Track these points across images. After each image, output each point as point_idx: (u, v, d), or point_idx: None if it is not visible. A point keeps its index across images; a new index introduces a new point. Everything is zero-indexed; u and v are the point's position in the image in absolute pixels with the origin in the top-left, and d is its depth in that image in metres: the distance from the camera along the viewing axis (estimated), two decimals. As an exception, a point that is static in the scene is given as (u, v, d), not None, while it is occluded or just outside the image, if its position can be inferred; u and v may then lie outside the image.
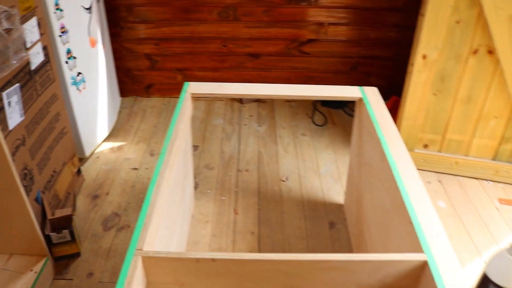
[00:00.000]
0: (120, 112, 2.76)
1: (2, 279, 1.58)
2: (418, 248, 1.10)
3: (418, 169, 2.28)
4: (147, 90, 2.94)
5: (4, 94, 1.46)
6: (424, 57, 2.01)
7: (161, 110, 2.80)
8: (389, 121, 1.59)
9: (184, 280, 1.10)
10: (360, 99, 1.74)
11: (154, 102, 2.90)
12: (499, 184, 2.26)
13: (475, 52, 1.97)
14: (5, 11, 1.41)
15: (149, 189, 1.23)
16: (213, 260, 1.05)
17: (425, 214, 1.18)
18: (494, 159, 2.25)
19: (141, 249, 1.05)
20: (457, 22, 1.92)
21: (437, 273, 1.02)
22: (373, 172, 1.57)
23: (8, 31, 1.43)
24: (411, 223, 1.17)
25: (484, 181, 2.28)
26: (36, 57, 1.68)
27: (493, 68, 1.98)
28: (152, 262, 1.05)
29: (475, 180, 2.29)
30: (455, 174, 2.31)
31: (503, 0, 1.79)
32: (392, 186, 1.33)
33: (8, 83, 1.48)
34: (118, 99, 2.81)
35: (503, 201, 2.15)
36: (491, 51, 1.94)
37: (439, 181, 2.26)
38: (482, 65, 1.99)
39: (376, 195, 1.53)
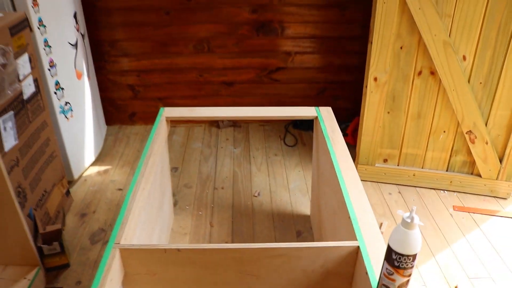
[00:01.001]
0: (106, 139, 2.97)
1: (-3, 288, 1.76)
2: (353, 237, 1.31)
3: (380, 182, 2.52)
4: (131, 118, 3.16)
5: (0, 120, 1.67)
6: (376, 79, 2.26)
7: (144, 136, 3.02)
8: (338, 135, 1.82)
9: (155, 270, 1.29)
10: (316, 118, 1.97)
11: (137, 129, 3.11)
12: (454, 193, 2.47)
13: (420, 73, 2.22)
14: (1, 48, 1.63)
15: (127, 194, 1.43)
16: (178, 250, 1.24)
17: (361, 210, 1.39)
18: (447, 170, 2.47)
19: (119, 243, 1.25)
20: (401, 47, 2.17)
21: (366, 256, 1.23)
22: (326, 181, 1.79)
23: (4, 65, 1.65)
24: (349, 218, 1.38)
25: (440, 190, 2.49)
26: (28, 88, 1.90)
27: (437, 87, 2.23)
28: (127, 254, 1.25)
29: (432, 190, 2.50)
30: (414, 185, 2.52)
31: (436, 28, 2.06)
32: (337, 190, 1.54)
33: (4, 111, 1.69)
34: (104, 127, 3.02)
35: (456, 208, 2.36)
36: (433, 72, 2.19)
37: (399, 192, 2.48)
38: (427, 85, 2.24)
39: (328, 200, 1.74)
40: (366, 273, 1.18)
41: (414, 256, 0.99)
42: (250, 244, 1.26)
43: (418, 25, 2.09)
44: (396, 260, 0.99)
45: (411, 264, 0.99)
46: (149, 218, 1.64)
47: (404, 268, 1.00)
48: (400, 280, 1.02)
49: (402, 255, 0.98)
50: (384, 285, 1.05)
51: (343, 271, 1.30)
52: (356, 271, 1.28)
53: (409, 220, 0.96)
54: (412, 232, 0.97)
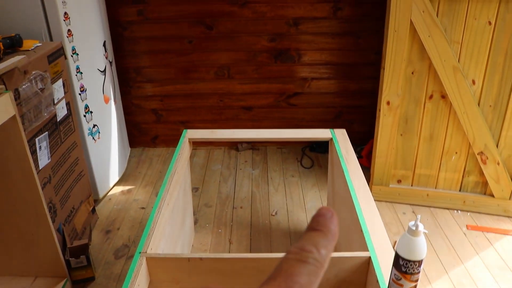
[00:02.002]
0: (129, 161, 3.10)
1: (28, 298, 1.86)
2: (365, 249, 1.39)
3: (394, 202, 2.58)
4: (154, 141, 3.30)
5: (36, 140, 1.80)
6: (388, 103, 2.35)
7: (166, 158, 3.14)
8: (352, 156, 1.91)
9: (179, 278, 1.38)
10: (331, 139, 2.07)
11: (159, 151, 3.24)
12: (468, 213, 2.52)
13: (431, 97, 2.31)
14: (40, 74, 1.78)
15: (153, 207, 1.54)
16: (201, 259, 1.34)
17: (372, 224, 1.47)
18: (460, 190, 2.53)
19: (145, 252, 1.35)
20: (412, 72, 2.27)
21: (378, 266, 1.30)
22: (340, 198, 1.87)
23: (42, 90, 1.80)
24: (361, 231, 1.46)
25: (454, 210, 2.55)
26: (61, 111, 2.04)
27: (448, 110, 2.31)
28: (153, 262, 1.34)
29: (445, 210, 2.55)
30: (427, 205, 2.58)
31: (445, 53, 2.16)
32: (351, 206, 1.62)
33: (40, 131, 1.83)
34: (127, 149, 3.16)
35: (470, 227, 2.41)
36: (443, 96, 2.28)
37: (413, 212, 2.54)
38: (438, 108, 2.33)
39: (342, 216, 1.82)
40: (377, 281, 1.25)
41: (420, 262, 1.06)
42: (268, 254, 1.35)
43: (428, 51, 2.19)
44: (403, 266, 1.07)
45: (418, 269, 1.07)
46: (172, 232, 1.74)
47: (411, 273, 1.07)
48: (407, 285, 1.09)
49: (409, 260, 1.06)
50: (392, 290, 1.13)
51: (356, 281, 1.38)
52: (368, 281, 1.35)
53: (414, 228, 1.05)
54: (417, 239, 1.05)
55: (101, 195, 2.62)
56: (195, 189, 2.75)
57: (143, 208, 2.57)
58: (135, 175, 2.93)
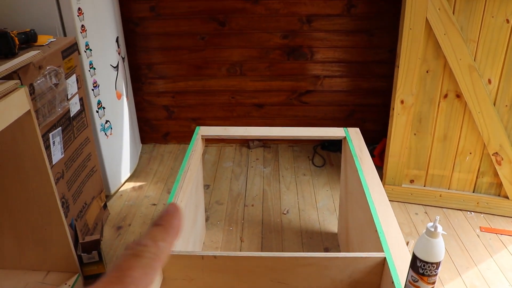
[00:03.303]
0: (140, 157, 3.11)
1: (41, 293, 1.87)
2: (379, 249, 1.37)
3: (406, 202, 2.56)
4: (165, 138, 3.30)
5: (50, 135, 1.81)
6: (402, 102, 2.33)
7: (177, 155, 3.14)
8: (366, 155, 1.89)
9: (192, 275, 1.37)
10: (345, 138, 2.05)
11: (171, 148, 3.24)
12: (481, 215, 2.49)
13: (445, 96, 2.28)
14: (54, 69, 1.78)
15: (168, 200, 1.53)
16: (215, 257, 1.33)
17: (387, 224, 1.46)
18: (474, 191, 2.50)
19: (159, 249, 1.34)
20: (427, 71, 2.25)
21: (393, 266, 1.29)
22: (353, 197, 1.86)
23: (56, 85, 1.80)
24: (376, 231, 1.44)
25: (467, 212, 2.52)
26: (75, 107, 2.05)
27: (462, 109, 2.29)
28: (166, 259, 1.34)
29: (458, 211, 2.53)
30: (440, 206, 2.55)
31: (461, 52, 2.13)
32: (365, 205, 1.61)
33: (53, 127, 1.84)
34: (139, 145, 3.16)
35: (483, 229, 2.39)
36: (458, 95, 2.26)
37: (426, 213, 2.51)
38: (453, 107, 2.30)
39: (356, 216, 1.80)
40: (393, 282, 1.24)
41: (438, 264, 1.05)
42: (282, 253, 1.34)
43: (443, 50, 2.17)
44: (420, 268, 1.06)
45: (435, 271, 1.06)
46: (185, 229, 1.73)
47: (429, 276, 1.06)
48: (424, 287, 1.08)
49: (427, 262, 1.04)
50: (409, 292, 1.11)
51: (370, 281, 1.36)
52: (383, 282, 1.34)
53: (433, 229, 1.03)
54: (435, 241, 1.04)
55: (112, 191, 2.63)
56: (206, 186, 2.74)
57: (154, 204, 2.57)
58: (146, 172, 2.93)
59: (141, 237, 0.34)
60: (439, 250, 1.04)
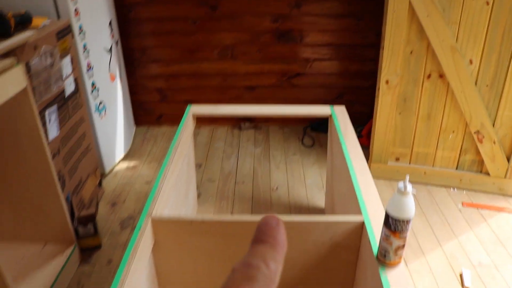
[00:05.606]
0: (134, 139, 3.18)
1: (39, 262, 1.95)
2: (358, 213, 1.46)
3: (392, 179, 2.65)
4: (158, 120, 3.37)
5: (46, 112, 1.88)
6: (387, 82, 2.41)
7: (171, 136, 3.22)
8: (350, 130, 1.97)
9: (182, 240, 1.46)
10: (331, 116, 2.13)
11: (164, 130, 3.32)
12: (463, 191, 2.59)
13: (429, 76, 2.36)
14: (49, 50, 1.85)
15: (159, 174, 1.61)
16: (203, 221, 1.41)
17: (367, 191, 1.54)
18: (457, 168, 2.59)
19: (151, 214, 1.42)
20: (411, 52, 2.33)
21: (371, 229, 1.37)
22: (338, 169, 1.94)
23: (51, 65, 1.86)
24: (356, 198, 1.53)
25: (450, 188, 2.61)
26: (69, 87, 2.11)
27: (445, 89, 2.37)
28: (158, 224, 1.42)
29: (442, 188, 2.62)
30: (425, 183, 2.65)
31: (443, 34, 2.21)
32: (347, 174, 1.69)
33: (49, 105, 1.91)
34: (133, 127, 3.23)
35: (465, 204, 2.48)
36: (441, 75, 2.34)
37: (410, 190, 2.60)
38: (436, 87, 2.38)
39: (340, 188, 1.89)
40: (370, 243, 1.32)
41: (408, 221, 1.13)
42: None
43: (426, 31, 2.24)
44: (392, 224, 1.14)
45: (406, 227, 1.14)
46: (176, 202, 1.81)
47: (400, 231, 1.14)
48: (396, 242, 1.16)
49: (398, 219, 1.13)
50: (383, 248, 1.20)
51: (350, 244, 1.45)
52: (362, 244, 1.43)
53: (403, 188, 1.11)
54: (406, 199, 1.12)
55: (107, 170, 2.70)
56: (198, 165, 2.82)
57: (148, 182, 2.65)
58: (140, 152, 3.01)
59: (248, 257, 0.31)
60: (409, 208, 1.12)
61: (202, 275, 1.53)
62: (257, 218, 1.41)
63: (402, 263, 1.22)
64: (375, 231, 1.37)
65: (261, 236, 0.32)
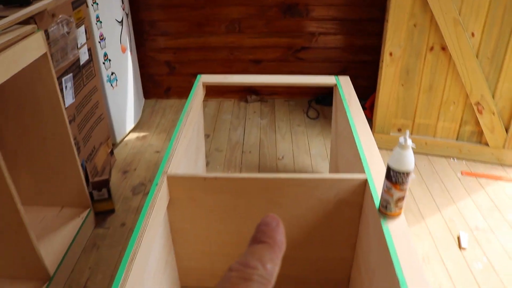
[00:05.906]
0: (143, 111, 3.26)
1: (56, 224, 2.05)
2: (362, 171, 1.55)
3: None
4: (167, 93, 3.45)
5: (63, 79, 1.96)
6: (391, 54, 2.48)
7: (179, 108, 3.30)
8: (354, 99, 2.05)
9: (195, 196, 1.55)
10: (335, 85, 2.21)
11: (172, 102, 3.40)
12: (463, 161, 2.67)
13: (431, 49, 2.43)
14: (66, 18, 1.92)
15: (173, 135, 1.70)
16: (215, 178, 1.51)
17: (369, 151, 1.63)
18: (457, 139, 2.67)
19: (166, 172, 1.51)
20: (415, 25, 2.39)
21: (373, 186, 1.46)
22: (342, 135, 2.03)
23: (68, 33, 1.94)
24: (360, 158, 1.62)
25: (450, 158, 2.70)
26: (84, 56, 2.19)
27: (447, 62, 2.44)
28: (173, 181, 1.51)
29: (442, 158, 2.71)
30: (426, 153, 2.73)
31: (447, 6, 2.27)
32: (351, 139, 1.78)
33: (65, 72, 1.99)
34: (142, 99, 3.32)
35: (464, 173, 2.57)
36: (444, 48, 2.40)
37: (412, 160, 2.68)
38: (438, 60, 2.45)
39: (344, 153, 1.98)
40: (372, 199, 1.41)
41: (408, 173, 1.22)
42: (275, 174, 1.51)
43: (430, 4, 2.30)
44: (393, 177, 1.23)
45: (406, 180, 1.23)
46: (188, 166, 1.90)
47: (400, 183, 1.23)
48: (397, 194, 1.25)
49: (398, 171, 1.22)
50: (384, 200, 1.29)
51: (354, 200, 1.54)
52: (365, 200, 1.52)
53: (403, 142, 1.20)
54: (406, 153, 1.21)
55: (118, 139, 2.80)
56: (206, 136, 2.91)
57: (157, 152, 2.75)
58: (149, 124, 3.10)
59: (245, 257, 0.31)
60: (409, 161, 1.21)
61: (214, 232, 1.63)
62: (266, 175, 1.50)
63: (402, 215, 1.32)
64: (377, 187, 1.46)
65: (260, 236, 0.33)
